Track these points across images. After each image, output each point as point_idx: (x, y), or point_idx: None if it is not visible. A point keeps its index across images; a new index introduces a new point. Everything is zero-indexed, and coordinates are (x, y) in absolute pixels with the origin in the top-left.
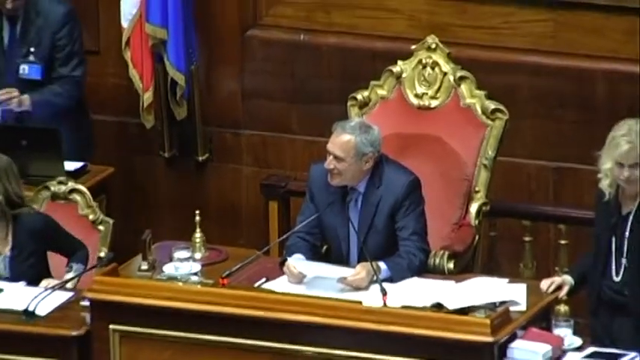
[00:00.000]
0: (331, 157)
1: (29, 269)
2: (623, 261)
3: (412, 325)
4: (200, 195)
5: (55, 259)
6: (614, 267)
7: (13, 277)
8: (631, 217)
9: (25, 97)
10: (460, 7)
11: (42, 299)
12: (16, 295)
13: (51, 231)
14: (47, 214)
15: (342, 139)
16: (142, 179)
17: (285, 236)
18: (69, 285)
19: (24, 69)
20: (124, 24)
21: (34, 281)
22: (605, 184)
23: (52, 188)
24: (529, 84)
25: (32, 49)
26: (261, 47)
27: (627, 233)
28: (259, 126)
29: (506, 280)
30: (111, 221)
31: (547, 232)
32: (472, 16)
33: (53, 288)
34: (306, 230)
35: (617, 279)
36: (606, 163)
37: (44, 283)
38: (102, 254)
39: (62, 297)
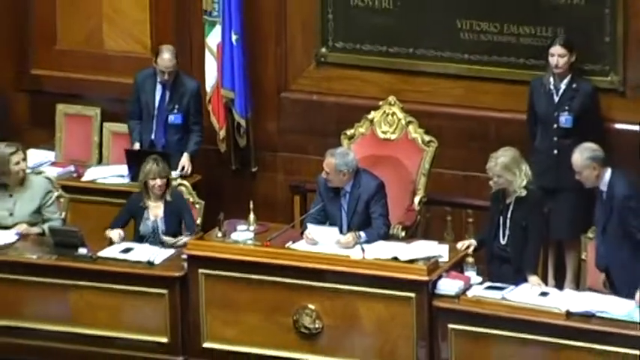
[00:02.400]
0: (324, 171)
1: (171, 226)
2: (507, 231)
3: (379, 269)
4: (253, 192)
5: None
6: (501, 235)
7: (166, 231)
8: (511, 205)
9: (186, 160)
10: (408, 80)
11: (157, 254)
12: (142, 252)
13: (184, 204)
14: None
15: (328, 161)
16: (218, 182)
17: (303, 217)
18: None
19: (171, 118)
20: (208, 89)
21: (173, 234)
22: (494, 185)
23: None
24: (450, 125)
25: (177, 106)
26: (290, 103)
27: (509, 214)
28: (288, 150)
29: (436, 242)
30: (202, 202)
31: (460, 214)
32: (415, 85)
33: (172, 245)
34: (316, 213)
35: (503, 242)
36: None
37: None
38: (198, 221)
39: (170, 252)
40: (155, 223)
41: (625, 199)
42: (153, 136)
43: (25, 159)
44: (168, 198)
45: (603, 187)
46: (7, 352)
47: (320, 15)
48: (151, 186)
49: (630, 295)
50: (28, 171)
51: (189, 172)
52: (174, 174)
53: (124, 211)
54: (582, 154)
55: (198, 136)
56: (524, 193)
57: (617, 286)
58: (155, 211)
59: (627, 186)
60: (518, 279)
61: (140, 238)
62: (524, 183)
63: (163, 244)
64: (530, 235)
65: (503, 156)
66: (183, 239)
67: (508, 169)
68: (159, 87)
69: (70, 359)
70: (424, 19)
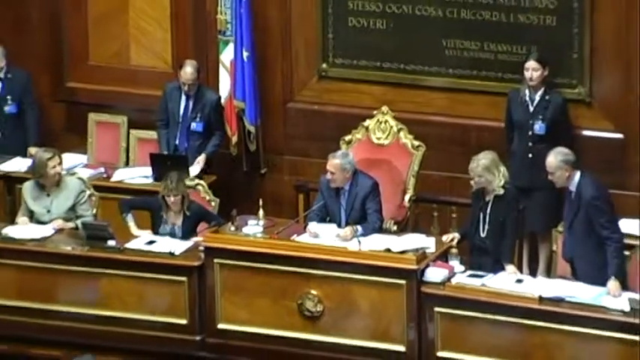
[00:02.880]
0: (329, 172)
1: (188, 234)
2: (486, 226)
3: (374, 259)
4: (261, 191)
5: None
6: (481, 229)
7: (182, 237)
8: (490, 203)
9: (202, 158)
10: (399, 91)
11: (178, 246)
12: (164, 244)
13: (203, 211)
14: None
15: (333, 163)
16: (231, 182)
17: (306, 213)
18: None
19: (193, 125)
20: (223, 99)
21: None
22: (475, 185)
23: (188, 183)
24: (436, 132)
25: (199, 115)
26: (294, 112)
27: (488, 210)
28: (293, 154)
29: (424, 235)
30: (217, 200)
31: (445, 210)
32: (405, 96)
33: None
34: (318, 210)
35: (483, 235)
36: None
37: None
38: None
39: (189, 244)
40: (173, 229)
41: (593, 199)
42: (177, 141)
43: (60, 163)
44: (187, 213)
45: (572, 188)
46: (44, 333)
47: (321, 34)
48: (168, 201)
49: (593, 283)
50: (63, 173)
51: (200, 168)
52: (192, 172)
53: (144, 202)
54: (556, 157)
55: (218, 140)
56: (501, 191)
57: (579, 275)
58: (174, 219)
59: (595, 187)
60: (497, 268)
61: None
62: (502, 183)
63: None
64: (507, 229)
65: (483, 159)
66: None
67: (488, 170)
68: (183, 97)
69: (99, 339)
70: (413, 38)
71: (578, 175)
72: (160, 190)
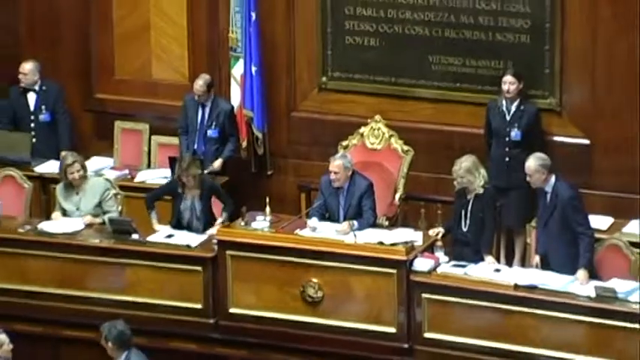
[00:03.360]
0: (332, 173)
1: (205, 205)
2: (467, 221)
3: (368, 250)
4: (268, 190)
5: None
6: (463, 224)
7: (202, 210)
8: (471, 200)
9: (219, 162)
10: (390, 102)
11: (194, 239)
12: (182, 237)
13: (216, 187)
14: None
15: (336, 164)
16: (241, 182)
17: (308, 210)
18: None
19: (209, 132)
20: (234, 108)
21: (207, 212)
22: (458, 185)
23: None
24: (423, 138)
25: (214, 123)
26: (297, 120)
27: (469, 207)
28: (296, 158)
29: (412, 230)
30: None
31: (431, 207)
32: (396, 106)
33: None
34: (318, 207)
35: (464, 229)
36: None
37: (210, 230)
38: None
39: (203, 237)
40: (193, 202)
41: (571, 199)
42: (195, 146)
43: (80, 169)
44: (201, 189)
45: (548, 189)
46: (76, 316)
47: (321, 51)
48: (184, 180)
49: (565, 273)
50: (90, 174)
51: (216, 169)
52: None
53: (164, 188)
54: (535, 162)
55: (233, 145)
56: (481, 191)
57: (553, 267)
58: (192, 193)
59: (570, 188)
60: (477, 259)
61: (179, 213)
62: (482, 183)
63: (200, 225)
64: (486, 224)
65: (465, 161)
66: (220, 220)
67: (469, 172)
68: (200, 107)
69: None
70: (403, 55)
71: (553, 178)
72: (176, 172)
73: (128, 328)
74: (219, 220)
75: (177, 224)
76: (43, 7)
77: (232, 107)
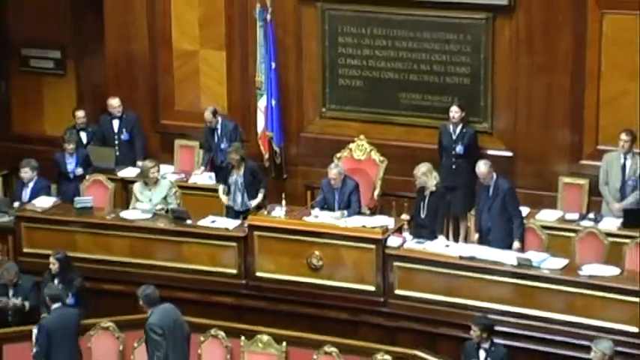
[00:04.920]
0: (332, 179)
1: (246, 179)
2: (425, 211)
3: (355, 231)
4: (284, 189)
5: None
6: (422, 213)
7: (242, 183)
8: (428, 195)
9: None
10: (371, 127)
11: (231, 224)
12: (222, 222)
13: (255, 169)
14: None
15: (335, 171)
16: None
17: (311, 203)
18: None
19: (222, 146)
20: (259, 131)
21: (247, 185)
22: (417, 184)
23: None
24: (395, 152)
25: (224, 138)
26: (305, 139)
27: (426, 201)
28: (304, 165)
29: (387, 217)
30: None
31: (400, 201)
32: (375, 130)
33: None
34: (319, 201)
35: (423, 217)
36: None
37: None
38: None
39: (237, 222)
40: (236, 178)
41: (509, 190)
42: (216, 157)
43: (158, 170)
44: (244, 169)
45: (491, 183)
46: (144, 278)
47: (321, 90)
48: (231, 160)
49: (503, 245)
50: (159, 176)
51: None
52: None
53: (224, 174)
54: (486, 166)
55: (263, 194)
56: (434, 189)
57: (492, 242)
58: (238, 172)
59: (508, 182)
60: (432, 237)
61: (228, 185)
62: (435, 183)
63: (244, 198)
64: (438, 212)
65: (423, 167)
66: (260, 197)
67: (425, 175)
68: (213, 131)
69: (181, 282)
70: (381, 93)
71: (495, 175)
72: (227, 154)
73: (155, 291)
74: (260, 196)
75: (228, 191)
76: (123, 59)
77: (236, 124)
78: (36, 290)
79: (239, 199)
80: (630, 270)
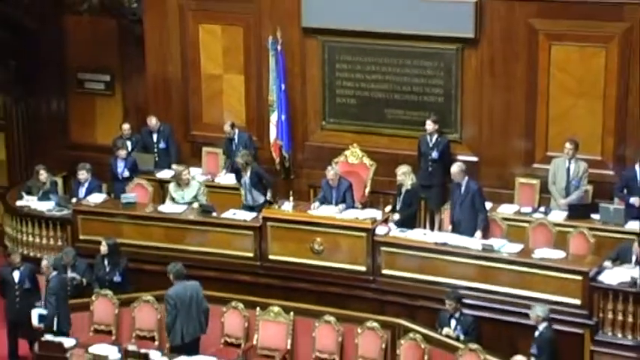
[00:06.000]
0: (330, 179)
1: (254, 180)
2: (400, 204)
3: (350, 222)
4: (292, 187)
5: None
6: (397, 205)
7: (250, 184)
8: (403, 193)
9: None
10: (363, 137)
11: (249, 215)
12: (241, 214)
13: (260, 171)
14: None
15: (333, 172)
16: (276, 183)
17: (314, 200)
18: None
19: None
20: (271, 140)
21: (255, 185)
22: (398, 182)
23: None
24: (382, 157)
25: (241, 147)
26: (309, 146)
27: (402, 197)
28: (308, 168)
29: (375, 210)
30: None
31: (386, 197)
32: (366, 139)
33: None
34: (320, 197)
35: (397, 208)
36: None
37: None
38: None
39: (254, 214)
40: (245, 179)
41: (478, 190)
42: (233, 161)
43: (189, 173)
44: (250, 172)
45: (463, 183)
46: (179, 259)
47: (322, 106)
48: (239, 164)
49: (470, 234)
50: (190, 177)
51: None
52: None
53: (238, 174)
54: (458, 168)
55: (269, 194)
56: (409, 187)
57: (463, 229)
58: (246, 174)
59: (477, 184)
60: (406, 224)
61: (240, 185)
62: (411, 183)
63: (253, 195)
64: (412, 206)
65: (402, 168)
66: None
67: (404, 174)
68: (232, 141)
69: (206, 263)
70: (370, 109)
71: (467, 177)
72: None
73: (182, 268)
74: (269, 195)
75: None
76: (160, 82)
77: (249, 135)
78: (90, 270)
79: (249, 196)
80: (574, 253)
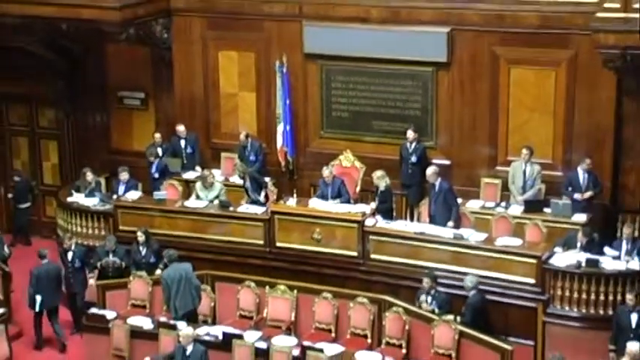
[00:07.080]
0: (327, 177)
1: (253, 184)
2: (376, 203)
3: (343, 215)
4: (295, 186)
5: None
6: (375, 203)
7: (248, 186)
8: (378, 192)
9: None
10: (355, 144)
11: (259, 209)
12: (253, 208)
13: (256, 176)
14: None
15: (327, 173)
16: (282, 183)
17: (314, 196)
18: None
19: (251, 158)
20: (278, 146)
21: (253, 186)
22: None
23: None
24: (370, 162)
25: (253, 153)
26: (309, 152)
27: (376, 197)
28: (308, 170)
29: (364, 205)
30: (276, 190)
31: (373, 194)
32: (357, 146)
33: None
34: (319, 194)
35: (374, 206)
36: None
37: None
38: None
39: (264, 209)
40: (245, 182)
41: (449, 189)
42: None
43: (213, 177)
44: (248, 178)
45: (437, 183)
46: (199, 247)
47: (320, 118)
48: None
49: (444, 226)
50: (214, 180)
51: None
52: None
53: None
54: (433, 170)
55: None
56: (383, 188)
57: (438, 222)
58: (246, 180)
59: (448, 183)
60: (385, 216)
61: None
62: (384, 185)
63: (254, 194)
64: (386, 203)
65: (378, 172)
66: (263, 194)
67: (379, 178)
68: (245, 148)
69: (220, 249)
70: (360, 121)
71: (440, 178)
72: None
73: (175, 253)
74: (263, 193)
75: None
76: (187, 99)
77: (260, 143)
78: (127, 255)
79: (251, 195)
80: (529, 241)
